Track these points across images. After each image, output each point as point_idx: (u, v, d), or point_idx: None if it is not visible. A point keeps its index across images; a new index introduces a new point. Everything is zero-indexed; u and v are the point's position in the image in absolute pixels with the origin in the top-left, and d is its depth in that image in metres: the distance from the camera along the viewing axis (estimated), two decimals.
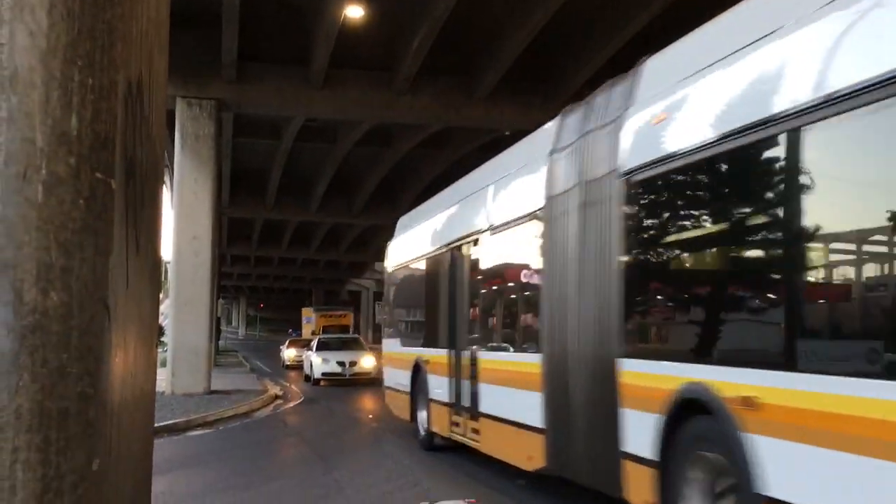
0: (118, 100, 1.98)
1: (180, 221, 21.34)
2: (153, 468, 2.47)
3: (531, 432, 7.88)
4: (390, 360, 14.52)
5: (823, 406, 4.27)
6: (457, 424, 10.41)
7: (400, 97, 22.16)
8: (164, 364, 20.50)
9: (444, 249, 11.32)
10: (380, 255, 56.29)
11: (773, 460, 4.60)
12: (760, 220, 5.28)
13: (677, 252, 6.37)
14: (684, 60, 6.08)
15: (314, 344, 29.80)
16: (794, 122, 4.61)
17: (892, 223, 4.13)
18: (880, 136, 4.23)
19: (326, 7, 18.24)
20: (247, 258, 64.50)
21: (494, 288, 9.82)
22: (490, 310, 10.01)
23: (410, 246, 13.55)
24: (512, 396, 8.58)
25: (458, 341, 10.49)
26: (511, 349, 9.10)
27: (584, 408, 6.95)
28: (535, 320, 8.30)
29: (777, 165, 5.00)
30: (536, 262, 8.21)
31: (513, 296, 9.40)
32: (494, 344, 9.56)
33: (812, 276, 4.86)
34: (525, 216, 8.51)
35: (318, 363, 27.36)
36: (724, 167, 5.62)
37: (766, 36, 5.02)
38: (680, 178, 6.13)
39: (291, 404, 20.86)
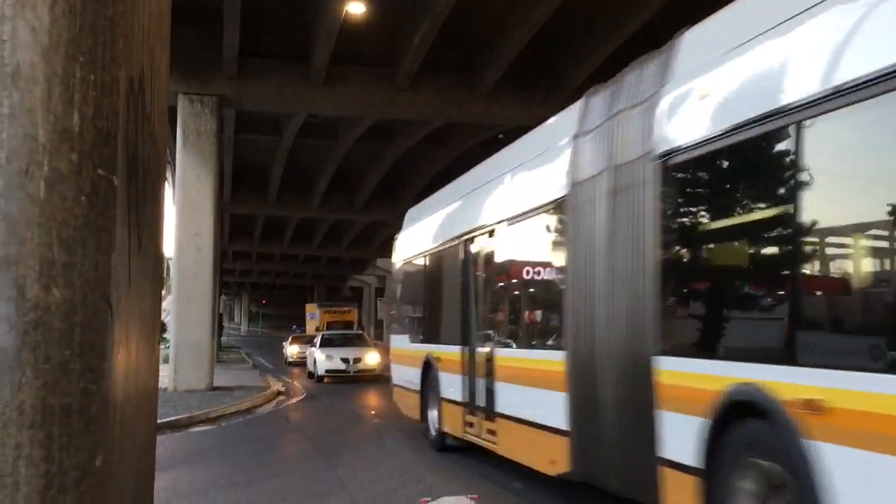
0: (120, 96, 1.98)
1: (182, 218, 21.36)
2: (156, 464, 2.48)
3: (554, 434, 7.45)
4: (398, 357, 14.10)
5: None
6: (471, 425, 10.00)
7: (401, 93, 22.15)
8: (166, 360, 20.55)
9: (456, 242, 10.85)
10: (381, 252, 55.90)
11: (842, 471, 4.11)
12: (826, 202, 4.69)
13: (725, 239, 5.78)
14: (732, 30, 5.53)
15: (318, 340, 29.63)
16: (868, 92, 4.05)
17: None
18: None
19: (328, 3, 18.23)
20: (249, 254, 64.55)
21: (512, 281, 9.34)
22: (507, 304, 9.57)
23: (420, 239, 13.07)
24: (532, 396, 8.14)
25: (473, 337, 10.06)
26: (531, 346, 8.65)
27: (614, 409, 6.47)
28: (557, 315, 7.83)
29: (847, 143, 4.51)
30: (559, 253, 7.82)
31: (532, 289, 8.99)
32: (512, 340, 9.12)
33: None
34: (546, 205, 8.06)
35: (322, 360, 27.14)
36: (779, 146, 4.97)
37: None
38: (727, 158, 5.58)
39: (294, 400, 20.88)
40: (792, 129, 4.67)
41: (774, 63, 4.94)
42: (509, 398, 8.84)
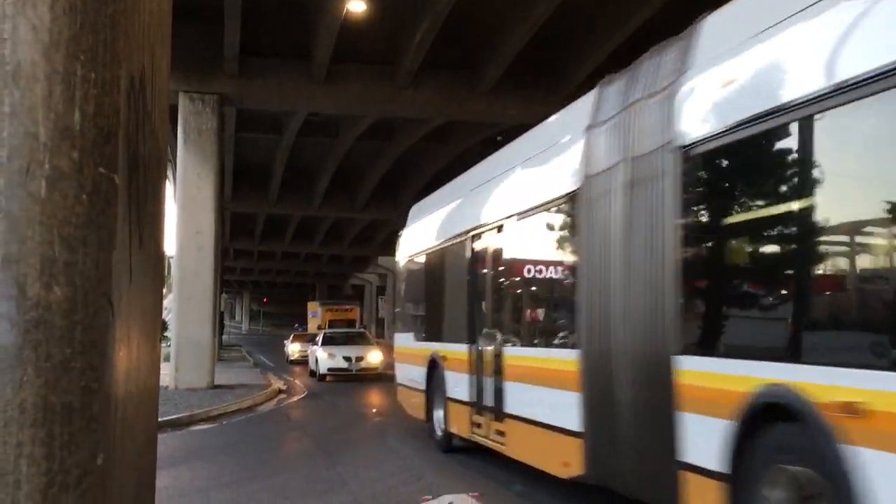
0: (121, 94, 1.98)
1: (183, 216, 21.37)
2: (157, 463, 2.48)
3: (567, 436, 7.22)
4: (403, 355, 13.78)
5: None
6: (478, 425, 9.75)
7: (402, 91, 22.15)
8: (167, 359, 20.56)
9: (463, 237, 10.59)
10: (383, 250, 55.83)
11: (884, 477, 3.89)
12: (864, 193, 4.44)
13: (753, 232, 5.46)
14: (760, 12, 5.27)
15: (320, 339, 29.42)
16: None
17: None
18: None
19: (329, 1, 18.24)
20: (250, 253, 64.58)
21: (521, 278, 9.05)
22: (517, 301, 9.31)
23: (425, 235, 12.78)
24: (543, 396, 7.90)
25: (481, 335, 9.82)
26: (542, 344, 8.44)
27: (631, 411, 6.22)
28: (570, 313, 7.54)
29: (887, 128, 4.22)
30: (571, 249, 7.59)
31: (543, 286, 8.76)
32: (522, 338, 8.90)
33: None
34: (558, 199, 7.83)
35: (324, 358, 26.96)
36: (815, 133, 4.60)
37: None
38: (755, 147, 5.26)
39: (295, 399, 20.90)
40: (828, 116, 4.40)
41: (810, 45, 4.64)
42: (519, 398, 8.60)
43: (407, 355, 13.39)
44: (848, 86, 4.20)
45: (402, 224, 14.60)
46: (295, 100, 23.42)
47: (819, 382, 4.29)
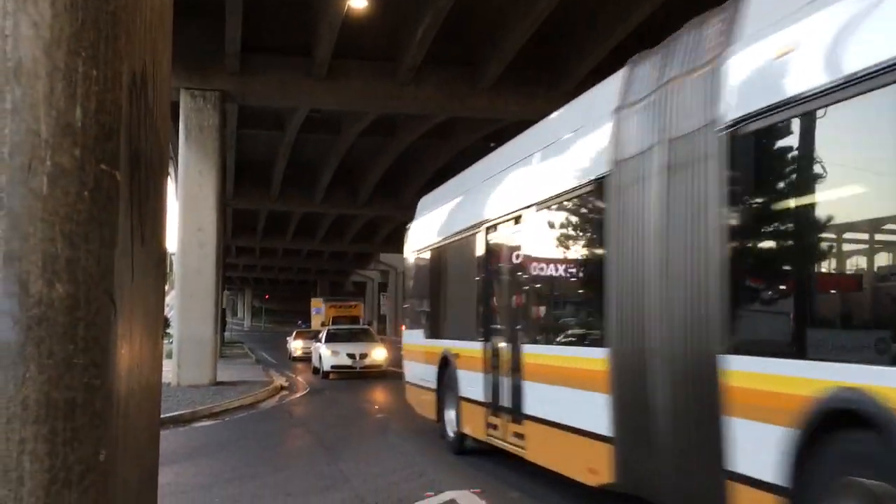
0: (122, 91, 1.97)
1: (185, 213, 21.38)
2: (159, 459, 2.48)
3: (594, 441, 6.71)
4: (412, 353, 13.13)
5: None
6: (494, 427, 9.22)
7: (404, 88, 22.14)
8: (169, 355, 20.55)
9: (478, 229, 10.02)
10: (385, 247, 55.78)
11: None
12: None
13: (816, 217, 4.81)
14: None
15: (323, 335, 28.95)
16: None
17: None
18: None
19: None
20: (252, 249, 64.62)
21: (542, 271, 8.42)
22: (536, 297, 8.65)
23: (436, 227, 12.19)
24: (567, 397, 7.36)
25: (497, 332, 9.32)
26: (565, 342, 7.87)
27: (670, 415, 5.71)
28: (597, 308, 6.96)
29: None
30: (599, 239, 7.03)
31: (565, 280, 8.26)
32: (543, 335, 8.35)
33: None
34: (582, 186, 7.28)
35: (328, 355, 26.60)
36: (890, 106, 4.10)
37: None
38: (816, 124, 4.66)
39: (297, 395, 20.91)
40: None
41: (888, 6, 4.12)
42: (540, 399, 8.04)
43: (416, 353, 12.81)
44: None
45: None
46: (296, 96, 23.42)
47: None
